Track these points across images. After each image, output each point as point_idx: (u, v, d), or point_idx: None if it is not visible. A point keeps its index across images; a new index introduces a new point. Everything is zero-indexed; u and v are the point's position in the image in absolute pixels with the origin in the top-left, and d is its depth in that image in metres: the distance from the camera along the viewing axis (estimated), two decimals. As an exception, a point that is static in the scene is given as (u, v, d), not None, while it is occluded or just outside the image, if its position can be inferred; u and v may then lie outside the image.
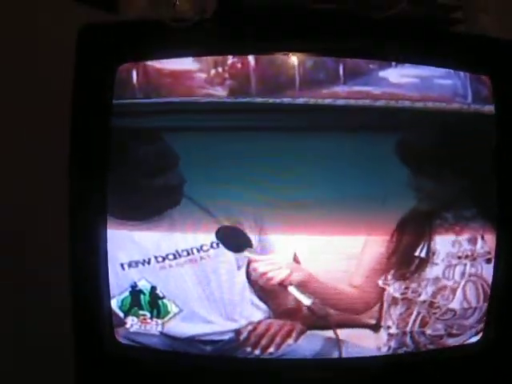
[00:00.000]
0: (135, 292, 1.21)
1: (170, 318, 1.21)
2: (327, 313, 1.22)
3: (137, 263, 1.20)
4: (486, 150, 1.20)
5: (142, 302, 1.21)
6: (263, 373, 1.23)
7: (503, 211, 1.20)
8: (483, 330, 1.23)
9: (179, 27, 1.15)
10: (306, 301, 1.21)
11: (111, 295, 1.20)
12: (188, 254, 1.20)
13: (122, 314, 1.21)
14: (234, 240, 1.20)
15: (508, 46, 1.19)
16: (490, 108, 1.19)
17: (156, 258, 1.20)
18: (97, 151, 1.16)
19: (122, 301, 1.21)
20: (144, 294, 1.21)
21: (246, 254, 1.20)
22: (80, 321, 1.20)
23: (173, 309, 1.21)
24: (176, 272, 1.20)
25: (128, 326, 1.22)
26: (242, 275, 1.22)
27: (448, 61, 1.18)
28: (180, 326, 1.22)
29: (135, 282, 1.20)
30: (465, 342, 1.24)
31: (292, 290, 1.21)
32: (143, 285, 1.21)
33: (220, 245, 1.20)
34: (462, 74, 1.19)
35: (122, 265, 1.20)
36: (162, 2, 1.21)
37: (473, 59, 1.18)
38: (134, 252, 1.20)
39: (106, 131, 1.15)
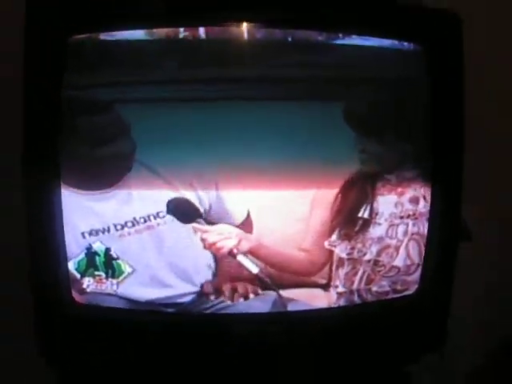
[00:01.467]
0: (90, 254, 1.23)
1: (125, 278, 1.24)
2: (274, 279, 1.27)
3: (97, 231, 1.23)
4: (423, 115, 1.25)
5: (97, 263, 1.24)
6: (219, 329, 1.27)
7: (436, 171, 1.26)
8: (419, 282, 1.28)
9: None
10: (254, 269, 1.26)
11: (68, 258, 1.22)
12: (145, 221, 1.23)
13: (78, 275, 1.24)
14: (184, 211, 1.23)
15: (441, 17, 1.22)
16: (425, 77, 1.23)
17: (115, 226, 1.23)
18: (48, 122, 1.16)
19: (79, 262, 1.23)
20: (99, 255, 1.23)
21: (195, 224, 1.24)
22: (38, 282, 1.21)
23: (127, 269, 1.24)
24: (135, 239, 1.23)
25: (84, 286, 1.24)
26: (198, 238, 1.25)
27: (388, 31, 1.22)
28: (140, 291, 1.26)
29: (90, 245, 1.23)
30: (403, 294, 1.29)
31: (241, 258, 1.25)
32: (98, 246, 1.23)
33: (174, 211, 1.24)
34: (402, 45, 1.23)
35: (82, 233, 1.23)
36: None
37: (408, 29, 1.23)
38: (94, 221, 1.22)
39: (57, 102, 1.16)
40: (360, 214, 1.26)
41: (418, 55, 1.23)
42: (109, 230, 1.23)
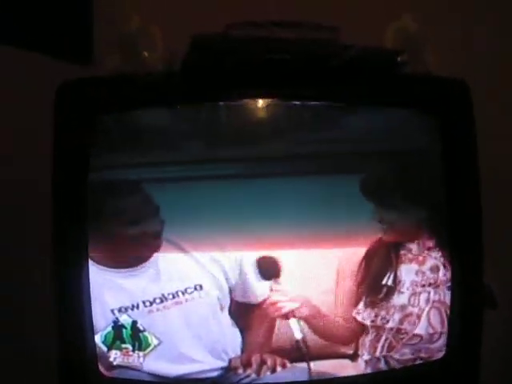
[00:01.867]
0: (117, 326, 1.25)
1: (151, 350, 1.26)
2: (310, 348, 1.28)
3: (126, 308, 1.25)
4: (439, 185, 1.28)
5: (124, 336, 1.25)
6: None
7: (454, 239, 1.28)
8: (445, 349, 1.29)
9: (149, 79, 1.23)
10: (298, 335, 1.27)
11: (95, 331, 1.23)
12: (173, 297, 1.25)
13: (105, 348, 1.25)
14: (269, 269, 1.27)
15: (450, 84, 1.27)
16: (439, 147, 1.27)
17: (144, 302, 1.25)
18: (77, 203, 1.20)
19: (106, 336, 1.25)
20: (126, 328, 1.25)
21: (273, 283, 1.27)
22: (65, 357, 1.22)
23: (153, 341, 1.25)
24: (163, 314, 1.25)
25: (111, 359, 1.25)
26: (225, 315, 1.29)
27: (398, 101, 1.27)
28: (166, 366, 1.27)
29: (117, 318, 1.25)
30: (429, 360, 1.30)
31: (292, 322, 1.27)
32: (125, 319, 1.25)
33: (203, 287, 1.27)
34: (415, 116, 1.28)
35: (112, 310, 1.25)
36: (133, 56, 1.30)
37: (422, 99, 1.27)
38: (123, 298, 1.25)
39: (86, 183, 1.20)
40: (384, 282, 1.28)
41: (430, 124, 1.27)
42: (138, 307, 1.25)
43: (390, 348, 1.29)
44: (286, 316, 1.27)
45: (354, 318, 1.29)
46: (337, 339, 1.30)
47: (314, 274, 1.28)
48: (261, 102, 1.25)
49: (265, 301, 1.28)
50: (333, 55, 1.21)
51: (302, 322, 1.28)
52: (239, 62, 1.20)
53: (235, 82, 1.23)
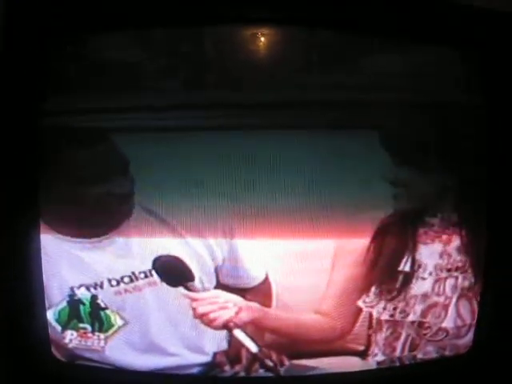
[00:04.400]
0: (74, 302, 1.11)
1: (114, 332, 1.12)
2: (285, 351, 1.13)
3: (88, 287, 1.10)
4: (476, 146, 1.10)
5: (82, 313, 1.11)
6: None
7: (493, 214, 1.11)
8: (473, 341, 1.14)
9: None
10: (253, 348, 1.12)
11: (47, 306, 1.09)
12: (146, 276, 1.10)
13: (59, 327, 1.11)
14: (172, 271, 1.11)
15: (500, 18, 1.07)
16: (479, 98, 1.09)
17: (110, 281, 1.10)
18: (26, 154, 1.04)
19: (59, 312, 1.11)
20: (83, 304, 1.11)
21: (183, 290, 1.11)
22: (12, 335, 1.09)
23: (117, 321, 1.12)
24: (133, 297, 1.11)
25: (66, 340, 1.12)
26: None
27: (435, 36, 1.07)
28: (135, 357, 1.12)
29: (74, 291, 1.10)
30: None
31: (237, 333, 1.11)
32: (83, 294, 1.10)
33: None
34: (450, 56, 1.09)
35: (71, 288, 1.10)
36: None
37: (461, 34, 1.08)
38: (84, 275, 1.11)
39: (36, 129, 1.04)
40: (400, 268, 1.11)
41: (469, 68, 1.10)
42: (102, 286, 1.10)
43: (413, 347, 1.14)
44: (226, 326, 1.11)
45: (354, 311, 1.13)
46: (322, 339, 1.14)
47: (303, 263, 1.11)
48: (257, 30, 1.06)
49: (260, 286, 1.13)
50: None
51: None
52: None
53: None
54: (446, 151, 1.11)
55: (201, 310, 1.10)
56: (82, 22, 1.04)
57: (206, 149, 1.06)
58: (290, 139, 1.07)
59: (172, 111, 1.06)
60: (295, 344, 1.14)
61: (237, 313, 1.11)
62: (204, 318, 1.10)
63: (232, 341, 1.13)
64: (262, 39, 1.07)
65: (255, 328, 1.12)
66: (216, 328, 1.11)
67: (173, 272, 1.10)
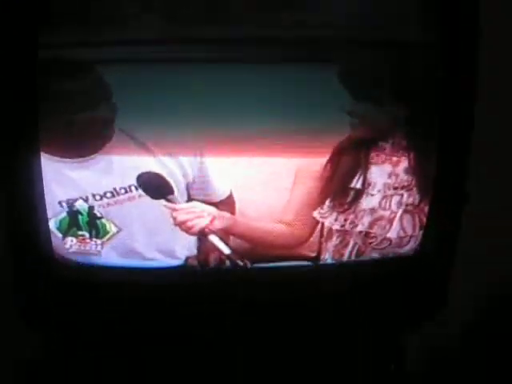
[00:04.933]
0: (73, 212, 1.19)
1: (110, 238, 1.21)
2: (249, 255, 1.23)
3: (75, 201, 1.18)
4: (428, 79, 1.17)
5: (80, 222, 1.20)
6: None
7: (442, 142, 1.18)
8: (419, 244, 1.25)
9: None
10: (226, 250, 1.22)
11: (48, 216, 1.17)
12: (126, 191, 1.18)
13: (60, 235, 1.20)
14: (155, 186, 1.19)
15: None
16: (433, 36, 1.14)
17: (94, 196, 1.18)
18: (23, 83, 1.10)
19: (60, 221, 1.19)
20: (82, 214, 1.19)
21: (165, 202, 1.20)
22: (17, 242, 1.18)
23: (112, 228, 1.20)
24: (115, 209, 1.19)
25: (67, 245, 1.20)
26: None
27: None
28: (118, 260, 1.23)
29: (72, 202, 1.19)
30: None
31: (212, 238, 1.21)
32: (81, 205, 1.18)
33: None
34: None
35: (59, 202, 1.18)
36: None
37: None
38: (71, 190, 1.18)
39: (33, 61, 1.09)
40: (352, 185, 1.21)
41: (424, 7, 1.14)
42: (87, 200, 1.19)
43: (359, 253, 1.24)
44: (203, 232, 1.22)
45: (312, 221, 1.23)
46: (284, 245, 1.25)
47: (270, 177, 1.21)
48: None
49: (226, 200, 1.23)
50: None
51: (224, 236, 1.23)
52: None
53: None
54: (399, 85, 1.17)
55: (180, 218, 1.19)
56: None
57: (181, 78, 1.12)
58: (256, 71, 1.13)
59: (151, 45, 1.11)
60: (259, 249, 1.23)
61: (211, 221, 1.20)
62: (183, 226, 1.19)
63: (201, 246, 1.23)
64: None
65: (225, 234, 1.22)
66: (193, 234, 1.21)
67: (155, 186, 1.18)
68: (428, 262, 1.25)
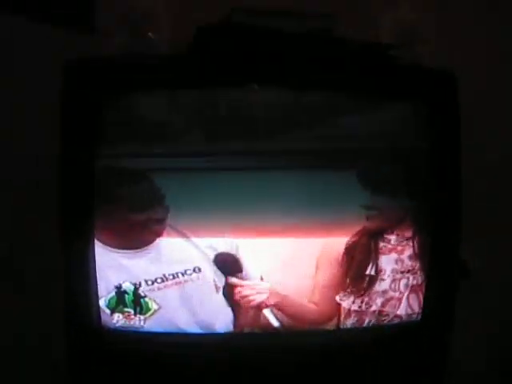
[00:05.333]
0: (120, 292, 1.33)
1: (152, 315, 1.34)
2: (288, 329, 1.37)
3: (124, 283, 1.33)
4: (424, 176, 1.36)
5: (126, 301, 1.33)
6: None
7: (437, 233, 1.36)
8: (421, 311, 1.38)
9: (154, 62, 1.26)
10: (275, 323, 1.36)
11: (99, 296, 1.32)
12: (174, 277, 1.32)
13: (108, 311, 1.33)
14: (228, 265, 1.34)
15: (441, 76, 1.31)
16: (425, 144, 1.34)
17: (146, 281, 1.32)
18: (84, 189, 1.26)
19: (109, 300, 1.33)
20: (128, 293, 1.33)
21: (234, 279, 1.35)
22: (74, 319, 1.30)
23: (153, 306, 1.33)
24: (163, 291, 1.33)
25: (114, 321, 1.33)
26: (220, 295, 1.36)
27: (392, 93, 1.32)
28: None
29: (120, 284, 1.33)
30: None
31: (266, 312, 1.36)
32: (127, 286, 1.33)
33: (201, 269, 1.35)
34: (406, 110, 1.35)
35: (116, 287, 1.33)
36: (137, 35, 1.33)
37: (411, 90, 1.32)
38: (126, 276, 1.32)
39: (93, 170, 1.26)
40: (367, 272, 1.36)
41: (418, 118, 1.33)
42: (140, 285, 1.33)
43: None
44: (259, 306, 1.35)
45: (335, 302, 1.37)
46: (314, 321, 1.39)
47: (295, 262, 1.36)
48: (260, 95, 1.30)
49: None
50: (327, 50, 1.27)
51: (274, 310, 1.36)
52: (241, 53, 1.25)
53: (237, 71, 1.28)
54: (407, 183, 1.36)
55: (244, 293, 1.33)
56: (125, 84, 1.26)
57: (220, 184, 1.30)
58: (284, 178, 1.32)
59: (195, 157, 1.29)
60: (295, 321, 1.37)
61: (268, 297, 1.34)
62: (244, 299, 1.34)
63: (237, 323, 1.35)
64: (263, 103, 1.31)
65: (275, 309, 1.36)
66: (251, 307, 1.34)
67: (230, 264, 1.34)
68: (427, 329, 1.38)
